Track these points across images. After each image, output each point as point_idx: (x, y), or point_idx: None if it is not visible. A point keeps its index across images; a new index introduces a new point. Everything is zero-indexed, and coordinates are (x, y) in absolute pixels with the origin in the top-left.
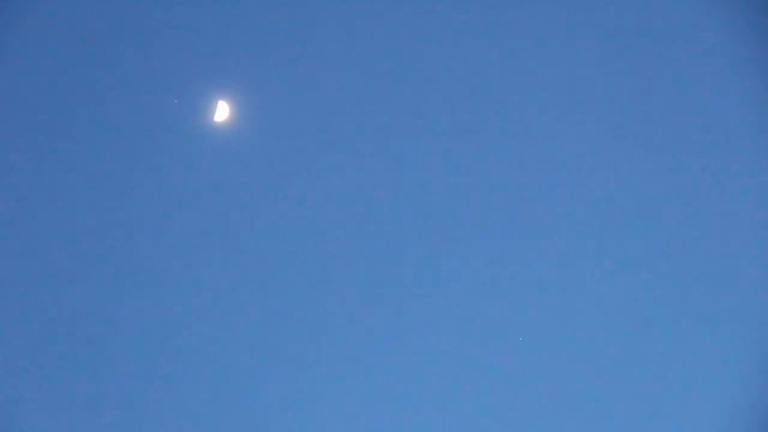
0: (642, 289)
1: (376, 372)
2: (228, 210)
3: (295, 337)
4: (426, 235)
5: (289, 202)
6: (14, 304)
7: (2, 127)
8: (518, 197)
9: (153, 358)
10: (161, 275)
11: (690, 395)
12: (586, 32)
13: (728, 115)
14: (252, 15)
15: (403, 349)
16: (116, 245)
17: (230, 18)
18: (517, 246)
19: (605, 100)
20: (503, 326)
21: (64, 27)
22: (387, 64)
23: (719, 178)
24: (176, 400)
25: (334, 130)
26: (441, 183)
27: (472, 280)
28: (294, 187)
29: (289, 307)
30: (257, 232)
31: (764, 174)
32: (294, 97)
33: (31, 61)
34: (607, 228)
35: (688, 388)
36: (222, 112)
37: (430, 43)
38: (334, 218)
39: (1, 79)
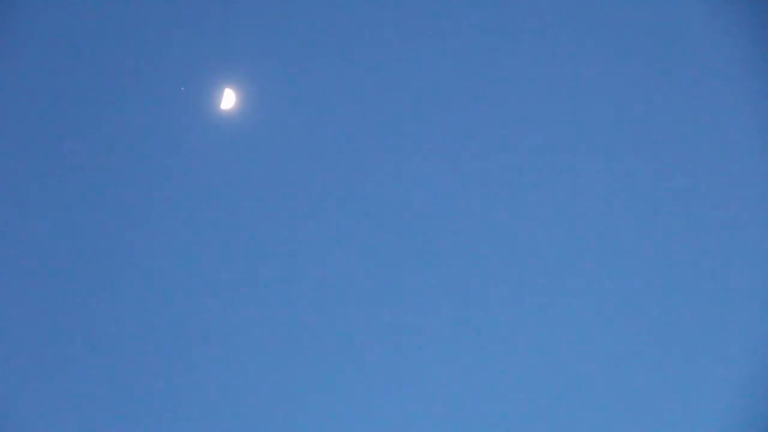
0: (642, 292)
1: (375, 372)
2: (233, 199)
3: (297, 334)
4: (428, 233)
5: (293, 192)
6: (15, 304)
7: (4, 120)
8: (518, 197)
9: (152, 355)
10: (163, 266)
11: (690, 395)
12: (586, 33)
13: (728, 115)
14: (260, 2)
15: (404, 349)
16: (118, 236)
17: (238, 5)
18: (518, 246)
19: (604, 101)
20: (503, 327)
21: (70, 14)
22: (392, 58)
23: (719, 179)
24: (176, 400)
25: (339, 121)
26: (443, 179)
27: (471, 281)
28: (298, 179)
29: (292, 303)
30: (262, 224)
31: (764, 174)
32: (300, 86)
33: (33, 52)
34: (607, 229)
35: (688, 389)
36: (228, 99)
37: (434, 41)
38: (335, 210)
39: (6, 66)
